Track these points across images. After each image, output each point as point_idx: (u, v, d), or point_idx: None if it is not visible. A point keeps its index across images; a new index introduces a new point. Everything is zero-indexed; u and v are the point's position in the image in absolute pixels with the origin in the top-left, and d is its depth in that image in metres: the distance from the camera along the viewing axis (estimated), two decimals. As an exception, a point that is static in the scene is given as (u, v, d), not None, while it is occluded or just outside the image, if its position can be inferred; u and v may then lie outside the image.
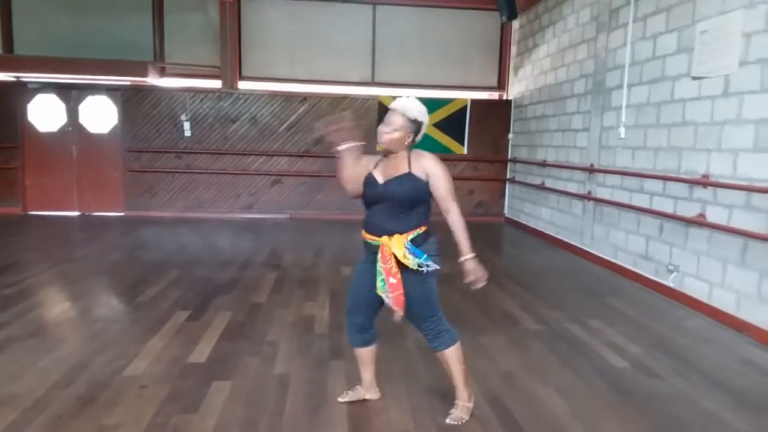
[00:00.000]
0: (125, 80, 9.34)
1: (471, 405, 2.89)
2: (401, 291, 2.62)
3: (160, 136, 9.45)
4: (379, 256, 2.62)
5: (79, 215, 9.44)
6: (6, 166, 9.25)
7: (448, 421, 2.81)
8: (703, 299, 4.80)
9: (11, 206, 9.31)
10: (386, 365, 3.49)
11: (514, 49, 10.01)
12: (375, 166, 2.76)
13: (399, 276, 2.61)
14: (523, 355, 3.78)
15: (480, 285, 2.63)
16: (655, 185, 5.54)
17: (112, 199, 9.53)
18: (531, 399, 3.13)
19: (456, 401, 2.87)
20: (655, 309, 4.95)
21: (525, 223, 9.24)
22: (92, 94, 9.40)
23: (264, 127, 9.62)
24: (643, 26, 5.83)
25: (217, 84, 9.54)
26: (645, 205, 5.71)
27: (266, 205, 9.76)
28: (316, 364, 3.49)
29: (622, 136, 6.14)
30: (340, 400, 3.02)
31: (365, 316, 2.88)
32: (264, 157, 9.66)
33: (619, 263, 6.19)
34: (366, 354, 2.99)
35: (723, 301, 4.57)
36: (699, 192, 4.90)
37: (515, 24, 9.83)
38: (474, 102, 9.98)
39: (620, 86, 6.21)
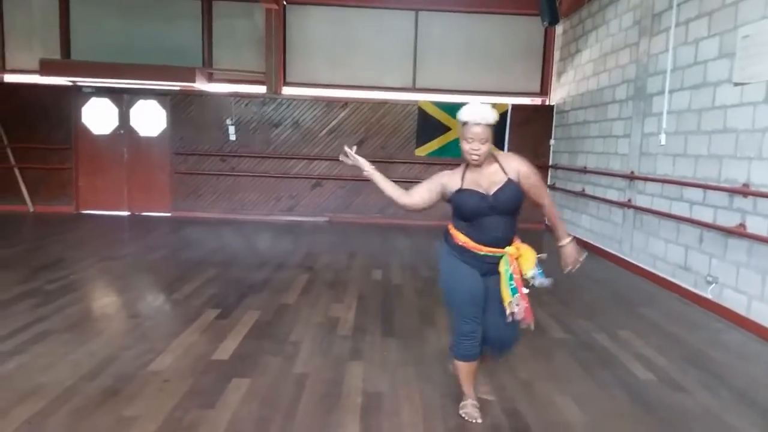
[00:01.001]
0: (174, 85, 9.69)
1: None
2: (528, 303, 2.71)
3: (206, 139, 9.76)
4: (510, 267, 2.68)
5: (128, 215, 9.85)
6: (60, 166, 9.75)
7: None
8: (742, 312, 4.62)
9: (65, 205, 9.80)
10: (404, 369, 3.54)
11: (557, 54, 9.88)
12: (463, 178, 2.74)
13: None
14: (546, 364, 3.73)
15: (577, 266, 2.77)
16: (695, 194, 5.37)
17: (160, 199, 9.90)
18: (547, 407, 3.10)
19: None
20: (691, 321, 4.79)
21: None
22: (143, 98, 9.80)
23: (306, 131, 9.81)
24: (685, 31, 5.67)
25: (261, 89, 9.80)
26: (685, 214, 5.54)
27: (306, 208, 9.94)
28: (335, 365, 3.55)
29: (663, 143, 5.98)
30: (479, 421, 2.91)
31: (476, 322, 2.81)
32: (305, 160, 9.84)
33: (658, 273, 6.02)
34: (475, 364, 2.93)
35: (762, 314, 4.40)
36: (739, 201, 4.73)
37: (558, 29, 9.70)
38: (515, 107, 9.88)
39: (661, 92, 6.05)
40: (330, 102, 9.81)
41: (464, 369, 2.90)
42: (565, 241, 2.81)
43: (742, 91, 4.75)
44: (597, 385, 3.42)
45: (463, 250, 2.77)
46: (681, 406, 3.18)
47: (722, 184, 4.95)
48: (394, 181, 2.93)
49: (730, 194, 4.83)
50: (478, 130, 2.63)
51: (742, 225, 4.64)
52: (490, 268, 2.75)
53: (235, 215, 9.82)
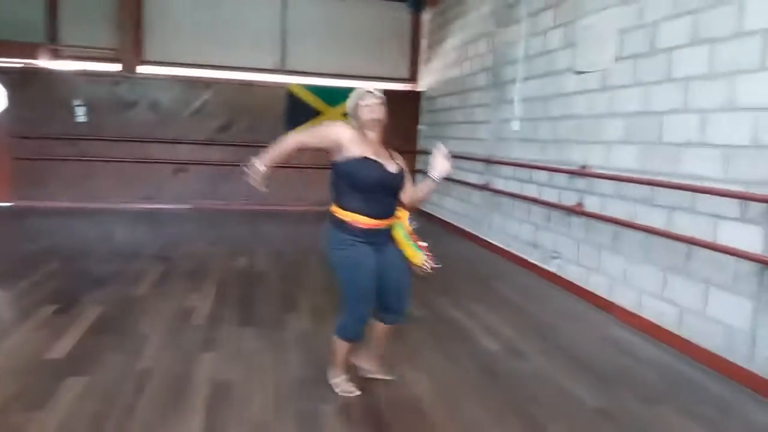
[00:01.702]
0: (14, 62, 8.69)
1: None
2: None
3: (51, 121, 8.85)
4: (402, 232, 2.87)
5: (-42, 205, 8.74)
6: None
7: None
8: (581, 284, 5.02)
9: None
10: (259, 356, 3.45)
11: (424, 42, 10.11)
12: (362, 148, 2.73)
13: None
14: (402, 342, 3.80)
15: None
16: (543, 176, 5.75)
17: (-3, 187, 8.87)
18: (398, 383, 3.16)
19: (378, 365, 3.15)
20: (537, 294, 5.14)
21: (431, 212, 9.37)
22: (-25, 75, 8.69)
23: (165, 113, 9.21)
24: (534, 22, 6.01)
25: (115, 68, 9.06)
26: (534, 195, 5.91)
27: (167, 195, 9.37)
28: (185, 358, 3.37)
29: (516, 128, 6.33)
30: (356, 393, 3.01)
31: (370, 304, 2.88)
32: (165, 144, 9.24)
33: (512, 251, 6.39)
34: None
35: (597, 285, 4.81)
36: (578, 182, 5.12)
37: (426, 16, 9.93)
38: (385, 93, 9.93)
39: (515, 80, 6.39)
40: (192, 82, 9.29)
41: (347, 349, 2.97)
42: (431, 174, 2.87)
43: (582, 79, 5.12)
44: (448, 358, 3.55)
45: (356, 232, 2.74)
46: (521, 372, 3.39)
47: (564, 167, 5.34)
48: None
49: (571, 176, 5.22)
50: (376, 100, 2.81)
51: (581, 204, 5.03)
52: (382, 241, 2.82)
53: (88, 204, 9.02)
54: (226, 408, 2.79)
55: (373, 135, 2.83)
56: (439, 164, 2.80)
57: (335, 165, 2.77)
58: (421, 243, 2.91)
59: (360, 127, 2.83)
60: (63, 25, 9.05)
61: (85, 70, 9.01)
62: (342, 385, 3.00)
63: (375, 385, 3.11)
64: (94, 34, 9.05)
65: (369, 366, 3.18)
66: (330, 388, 3.03)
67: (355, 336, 2.89)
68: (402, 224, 2.91)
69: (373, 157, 2.73)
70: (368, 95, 2.84)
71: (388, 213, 2.82)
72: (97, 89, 8.94)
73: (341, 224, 2.78)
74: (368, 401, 2.93)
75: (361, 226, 2.74)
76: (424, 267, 2.88)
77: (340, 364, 3.02)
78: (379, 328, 3.05)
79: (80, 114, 8.83)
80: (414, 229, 2.94)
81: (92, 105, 8.92)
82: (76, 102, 8.82)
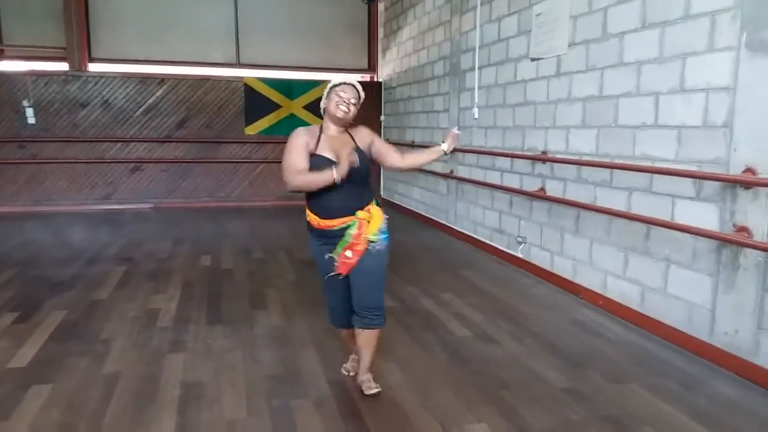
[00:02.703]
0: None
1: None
2: (354, 262, 2.74)
3: (0, 124, 8.54)
4: (354, 231, 2.70)
5: None
6: None
7: (369, 392, 2.90)
8: (547, 267, 5.12)
9: None
10: (230, 355, 3.41)
11: (381, 31, 10.09)
12: (317, 145, 2.72)
13: (361, 251, 2.73)
14: (373, 333, 3.81)
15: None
16: (505, 163, 5.82)
17: (-56, 195, 8.49)
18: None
19: (366, 376, 2.95)
20: (505, 279, 5.22)
21: (399, 203, 9.40)
22: None
23: (118, 111, 8.97)
24: (489, 9, 6.05)
25: (63, 66, 8.76)
26: (497, 181, 5.98)
27: (126, 195, 9.15)
28: (153, 360, 3.30)
29: (476, 116, 6.38)
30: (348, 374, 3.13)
31: (347, 300, 2.89)
32: (120, 143, 9.02)
33: (478, 238, 6.47)
34: (352, 331, 2.99)
35: (562, 268, 4.91)
36: (539, 167, 5.20)
37: (380, 6, 9.90)
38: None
39: (472, 68, 6.43)
40: (144, 78, 9.06)
41: (340, 334, 3.15)
42: (442, 146, 2.91)
43: (537, 66, 5.19)
44: (419, 347, 3.58)
45: (319, 233, 2.76)
46: (492, 356, 3.44)
47: (525, 153, 5.42)
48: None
49: (532, 162, 5.30)
50: (351, 90, 2.73)
51: (543, 189, 5.12)
52: (337, 242, 2.76)
53: (42, 207, 8.73)
54: (198, 409, 2.75)
55: (334, 128, 2.79)
56: (451, 140, 2.92)
57: None
58: (348, 254, 2.72)
59: (326, 117, 2.79)
60: (7, 24, 8.73)
61: (32, 70, 8.69)
62: (346, 364, 3.20)
63: (348, 378, 3.11)
64: (39, 32, 8.76)
65: (352, 366, 3.14)
66: (303, 383, 3.02)
67: (332, 322, 3.09)
68: (356, 223, 2.70)
69: (324, 154, 2.70)
70: (346, 86, 2.74)
71: (335, 212, 2.69)
72: (45, 89, 8.64)
73: (307, 221, 2.84)
74: (342, 394, 2.94)
75: (314, 225, 2.78)
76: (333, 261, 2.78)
77: (347, 345, 3.18)
78: (355, 332, 2.93)
79: (29, 115, 8.50)
80: (379, 237, 2.76)
81: (42, 106, 8.62)
82: (25, 103, 8.49)
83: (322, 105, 2.81)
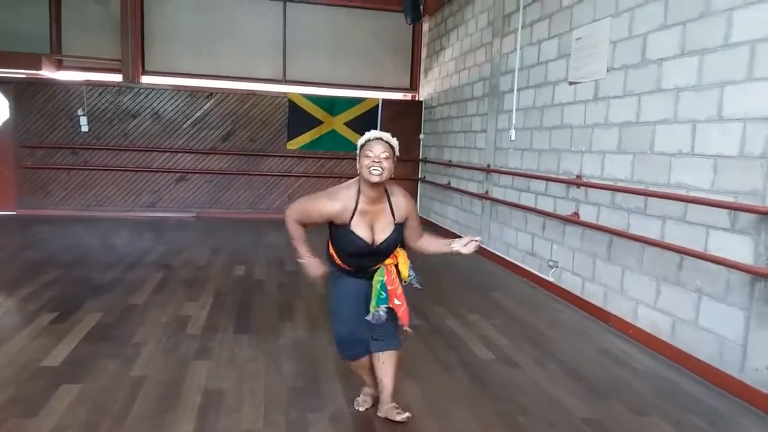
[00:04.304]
0: (18, 73, 8.82)
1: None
2: (405, 307, 2.70)
3: (55, 131, 8.98)
4: (385, 279, 2.68)
5: (-36, 214, 8.83)
6: None
7: (400, 418, 2.81)
8: (577, 293, 5.04)
9: None
10: (253, 364, 3.48)
11: (424, 51, 10.19)
12: (351, 218, 2.60)
13: (401, 294, 2.70)
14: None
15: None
16: (539, 185, 5.78)
17: (2, 197, 8.95)
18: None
19: (391, 404, 2.85)
20: (534, 303, 5.15)
21: (434, 221, 9.41)
22: (-19, 86, 8.81)
23: (167, 122, 9.32)
24: (530, 32, 6.06)
25: (117, 78, 9.17)
26: (531, 204, 5.93)
27: (170, 204, 9.46)
28: (179, 366, 3.40)
29: (513, 138, 6.37)
30: (360, 409, 2.95)
31: (361, 326, 2.75)
32: (168, 153, 9.36)
33: (510, 259, 6.41)
34: (365, 360, 2.87)
35: (593, 294, 4.82)
36: (573, 192, 5.14)
37: (425, 26, 10.01)
38: (386, 102, 10.05)
39: (511, 90, 6.43)
40: (193, 92, 9.39)
41: (352, 365, 2.91)
42: (454, 245, 2.75)
43: (575, 89, 5.16)
44: (441, 367, 3.58)
45: (347, 272, 2.76)
46: (512, 381, 3.41)
47: (560, 176, 5.36)
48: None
49: (567, 185, 5.24)
50: (378, 146, 2.54)
51: (576, 213, 5.05)
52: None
53: (91, 212, 9.13)
54: (217, 416, 2.82)
55: (371, 193, 2.61)
56: (467, 247, 2.71)
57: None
58: (396, 302, 2.71)
59: (361, 178, 2.61)
60: (66, 36, 9.21)
61: (88, 80, 9.13)
62: (358, 397, 3.01)
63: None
64: (97, 44, 9.20)
65: (364, 400, 3.02)
66: (321, 397, 3.06)
67: (349, 355, 2.82)
68: (383, 270, 2.71)
69: (358, 231, 2.60)
70: (373, 142, 2.55)
71: (367, 270, 2.73)
72: (100, 99, 9.05)
73: (328, 255, 2.81)
74: (358, 411, 2.95)
75: (341, 265, 2.75)
76: (374, 317, 2.70)
77: (360, 378, 2.98)
78: (373, 358, 2.87)
79: (83, 123, 8.93)
80: (411, 284, 2.79)
81: (95, 114, 9.03)
82: (80, 112, 8.92)
83: (357, 166, 2.63)
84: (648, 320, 4.11)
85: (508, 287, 5.67)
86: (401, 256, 2.77)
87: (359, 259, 2.70)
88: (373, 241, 2.63)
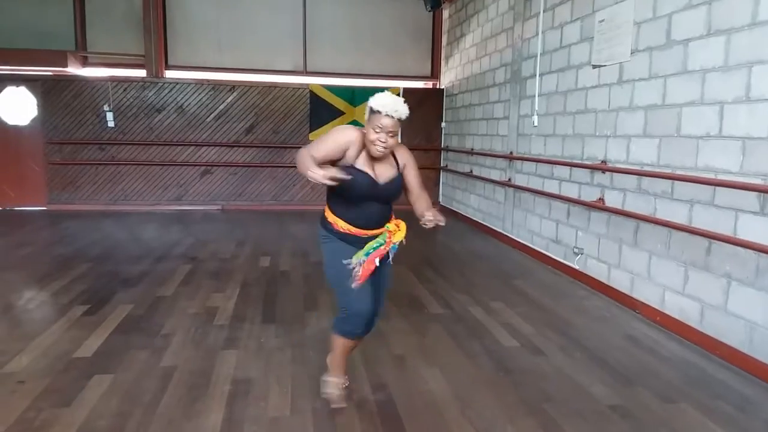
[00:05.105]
0: (45, 70, 9.01)
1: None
2: (371, 269, 2.70)
3: (82, 127, 9.16)
4: (386, 240, 2.72)
5: (-2, 210, 9.09)
6: None
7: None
8: (603, 280, 4.98)
9: None
10: (280, 354, 3.53)
11: (444, 38, 10.10)
12: (357, 157, 2.64)
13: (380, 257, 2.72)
14: (420, 339, 3.85)
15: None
16: (563, 171, 5.71)
17: (33, 192, 9.19)
18: (414, 380, 3.20)
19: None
20: (559, 290, 5.12)
21: (456, 210, 9.38)
22: (11, 84, 9.01)
23: (191, 116, 9.43)
24: (552, 16, 5.97)
25: (141, 73, 9.31)
26: (555, 190, 5.87)
27: (196, 197, 9.61)
28: (207, 355, 3.47)
29: (536, 124, 6.29)
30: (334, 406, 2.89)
31: (373, 299, 2.76)
32: (192, 147, 9.48)
33: (534, 247, 6.37)
34: (356, 342, 2.92)
35: (619, 281, 4.77)
36: (598, 177, 5.07)
37: (445, 13, 9.92)
38: (407, 91, 10.00)
39: (533, 75, 6.35)
40: (216, 85, 9.48)
41: (347, 345, 2.87)
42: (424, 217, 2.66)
43: (599, 73, 5.08)
44: (465, 355, 3.58)
45: (344, 236, 2.76)
46: (537, 368, 3.40)
47: (585, 162, 5.30)
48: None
49: (591, 171, 5.18)
50: (388, 122, 2.54)
51: (602, 199, 4.99)
52: (362, 246, 2.76)
53: (119, 206, 9.32)
54: (245, 404, 2.88)
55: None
56: (428, 225, 2.53)
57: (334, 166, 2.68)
58: (377, 262, 2.70)
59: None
60: (91, 33, 9.35)
61: (113, 76, 9.27)
62: (330, 387, 2.92)
63: (390, 381, 3.16)
64: (120, 40, 9.32)
65: (342, 381, 2.98)
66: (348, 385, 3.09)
67: (354, 332, 2.80)
68: (385, 235, 2.73)
69: (363, 168, 2.65)
70: (385, 118, 2.53)
71: (370, 224, 2.73)
72: (125, 95, 9.20)
73: (326, 223, 2.82)
74: (383, 397, 2.98)
75: (340, 230, 2.74)
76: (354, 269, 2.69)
77: (336, 364, 2.92)
78: None
79: (109, 119, 9.09)
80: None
81: (121, 110, 9.18)
82: (106, 107, 9.08)
83: (365, 124, 2.64)
84: (676, 306, 4.05)
85: (532, 275, 5.64)
86: (402, 227, 2.78)
87: (362, 208, 2.70)
88: (377, 180, 2.67)
